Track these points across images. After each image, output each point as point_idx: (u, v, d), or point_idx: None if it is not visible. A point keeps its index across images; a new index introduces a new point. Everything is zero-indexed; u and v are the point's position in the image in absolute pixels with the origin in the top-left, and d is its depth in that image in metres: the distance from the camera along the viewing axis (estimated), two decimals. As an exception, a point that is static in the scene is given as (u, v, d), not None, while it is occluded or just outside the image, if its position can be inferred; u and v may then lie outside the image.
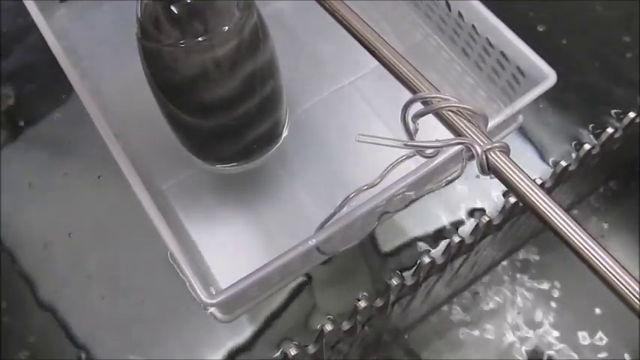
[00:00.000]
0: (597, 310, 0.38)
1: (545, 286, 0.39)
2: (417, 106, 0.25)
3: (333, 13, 0.29)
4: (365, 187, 0.31)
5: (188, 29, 0.30)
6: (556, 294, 0.38)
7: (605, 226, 0.41)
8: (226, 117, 0.34)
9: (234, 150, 0.39)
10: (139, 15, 0.30)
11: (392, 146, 0.24)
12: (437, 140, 0.24)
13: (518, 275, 0.39)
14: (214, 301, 0.30)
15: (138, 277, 0.39)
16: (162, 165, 0.41)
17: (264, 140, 0.39)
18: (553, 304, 0.38)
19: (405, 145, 0.24)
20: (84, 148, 0.43)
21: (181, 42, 0.30)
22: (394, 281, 0.31)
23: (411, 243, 0.39)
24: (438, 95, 0.24)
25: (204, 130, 0.36)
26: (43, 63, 0.47)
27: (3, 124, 0.45)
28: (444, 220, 0.40)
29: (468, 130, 0.24)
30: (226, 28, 0.30)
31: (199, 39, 0.30)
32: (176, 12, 0.29)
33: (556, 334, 0.38)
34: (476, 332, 0.37)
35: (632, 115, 0.39)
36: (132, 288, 0.39)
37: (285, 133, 0.41)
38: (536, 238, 0.40)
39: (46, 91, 0.46)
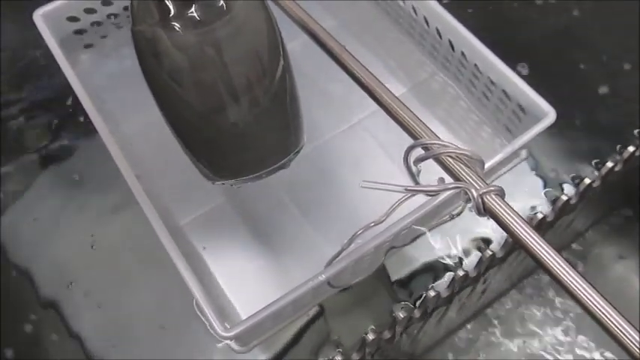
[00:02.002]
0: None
1: (556, 311, 0.40)
2: (419, 150, 0.27)
3: (337, 60, 0.31)
4: (372, 224, 0.32)
5: (181, 10, 0.28)
6: (567, 320, 0.39)
7: (607, 256, 0.42)
8: (229, 115, 0.31)
9: (241, 154, 0.34)
10: (133, 5, 0.29)
11: (394, 191, 0.25)
12: (435, 185, 0.26)
13: (527, 300, 0.40)
14: (230, 334, 0.32)
15: (155, 310, 0.41)
16: (180, 202, 0.43)
17: (277, 142, 0.35)
18: (565, 329, 0.39)
19: (406, 189, 0.26)
20: (104, 185, 0.45)
21: (174, 23, 0.28)
22: (401, 314, 0.32)
23: (418, 274, 0.40)
24: (437, 142, 0.26)
25: (207, 133, 0.32)
26: (67, 103, 0.49)
27: (27, 162, 0.47)
28: (449, 253, 0.41)
29: (465, 174, 0.25)
30: (221, 2, 0.28)
31: (190, 14, 0.28)
32: None
33: (569, 357, 0.38)
34: (487, 358, 0.38)
35: (631, 148, 0.40)
36: (148, 319, 0.41)
37: (300, 146, 0.36)
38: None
39: (72, 132, 0.48)
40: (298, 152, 0.36)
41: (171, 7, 0.28)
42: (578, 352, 0.38)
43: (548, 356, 0.38)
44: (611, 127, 0.46)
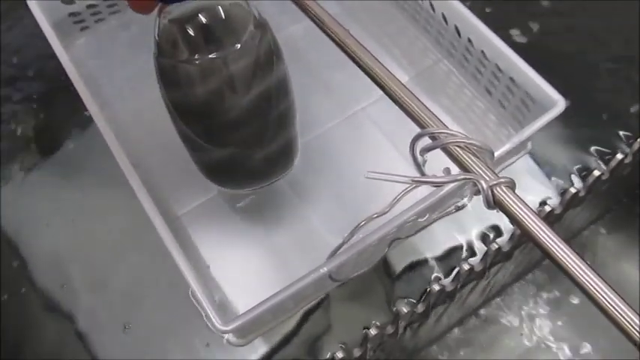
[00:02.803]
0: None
1: (558, 306, 0.39)
2: (426, 139, 0.26)
3: (341, 47, 0.30)
4: (375, 215, 0.31)
5: (203, 47, 0.31)
6: (569, 314, 0.39)
7: (614, 249, 0.41)
8: (239, 136, 0.35)
9: (248, 173, 0.39)
10: (157, 34, 0.31)
11: (400, 182, 0.24)
12: (443, 176, 0.25)
13: (530, 296, 0.39)
14: (228, 328, 0.31)
15: (153, 300, 0.40)
16: (178, 192, 0.42)
17: (277, 163, 0.40)
18: (566, 325, 0.38)
19: (413, 180, 0.24)
20: (101, 174, 0.44)
21: (196, 59, 0.31)
22: (404, 308, 0.31)
23: (422, 268, 0.40)
24: (445, 131, 0.25)
25: (218, 150, 0.37)
26: (62, 89, 0.48)
27: (21, 150, 0.46)
28: (455, 245, 0.40)
29: (474, 165, 0.24)
30: (239, 45, 0.31)
31: (213, 55, 0.30)
32: (191, 31, 0.30)
33: (568, 353, 0.38)
34: (488, 353, 0.38)
35: (642, 140, 0.39)
36: (147, 310, 0.40)
37: (297, 157, 0.42)
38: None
39: (65, 118, 0.47)
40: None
41: (195, 49, 0.31)
42: (580, 350, 0.38)
43: (548, 354, 0.38)
44: (619, 117, 0.45)
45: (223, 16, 0.31)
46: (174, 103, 0.34)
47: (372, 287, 0.39)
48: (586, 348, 0.38)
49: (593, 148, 0.44)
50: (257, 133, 0.35)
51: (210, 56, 0.31)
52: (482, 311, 0.39)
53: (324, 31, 0.30)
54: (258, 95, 0.33)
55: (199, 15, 0.30)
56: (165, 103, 0.34)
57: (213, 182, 0.41)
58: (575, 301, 0.39)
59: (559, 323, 0.38)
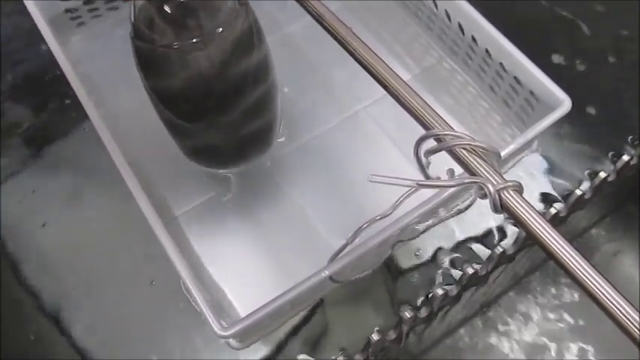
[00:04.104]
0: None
1: (558, 309, 0.38)
2: (430, 140, 0.25)
3: (343, 44, 0.29)
4: (378, 217, 0.30)
5: (181, 30, 0.30)
6: (570, 318, 0.38)
7: (616, 251, 0.40)
8: (219, 118, 0.34)
9: (229, 152, 0.39)
10: (133, 16, 0.30)
11: (405, 186, 0.24)
12: (449, 179, 0.24)
13: (531, 299, 0.39)
14: (228, 333, 0.30)
15: (149, 303, 0.39)
16: (176, 192, 0.41)
17: (259, 142, 0.40)
18: (567, 328, 0.38)
19: (418, 184, 0.24)
20: (98, 173, 0.44)
21: (175, 44, 0.29)
22: (407, 314, 0.31)
23: (425, 270, 0.39)
24: (450, 132, 0.24)
25: (198, 132, 0.36)
26: (57, 86, 0.47)
27: (17, 148, 0.45)
28: (459, 248, 0.40)
29: (481, 168, 0.23)
30: (220, 29, 0.30)
31: (193, 40, 0.29)
32: (169, 12, 0.29)
33: (571, 356, 0.37)
34: (491, 355, 0.37)
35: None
36: (143, 313, 0.39)
37: (281, 139, 0.42)
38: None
39: (61, 116, 0.46)
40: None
41: (174, 32, 0.30)
42: (582, 353, 0.37)
43: (551, 355, 0.37)
44: (624, 120, 0.45)
45: None
46: (152, 86, 0.33)
47: (375, 291, 0.38)
48: (589, 351, 0.37)
49: (598, 150, 0.43)
50: (238, 115, 0.34)
51: (190, 41, 0.29)
52: (485, 313, 0.38)
53: (326, 29, 0.29)
54: (238, 79, 0.32)
55: None
56: (144, 85, 0.33)
57: (195, 162, 0.40)
58: (577, 302, 0.39)
59: (561, 325, 0.38)
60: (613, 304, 0.20)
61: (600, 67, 0.47)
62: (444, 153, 0.24)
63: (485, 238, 0.39)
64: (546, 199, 0.41)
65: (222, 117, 0.34)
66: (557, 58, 0.47)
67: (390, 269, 0.39)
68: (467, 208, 0.37)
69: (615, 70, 0.47)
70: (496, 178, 0.23)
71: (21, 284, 0.40)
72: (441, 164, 0.25)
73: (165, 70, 0.31)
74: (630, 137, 0.42)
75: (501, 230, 0.40)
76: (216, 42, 0.30)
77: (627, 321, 0.19)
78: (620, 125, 0.44)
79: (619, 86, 0.46)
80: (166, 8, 0.29)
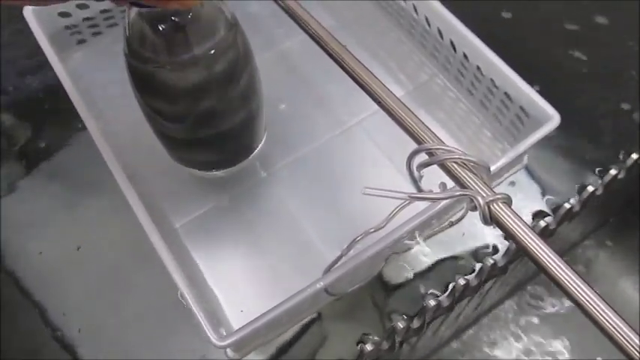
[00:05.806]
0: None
1: (551, 321, 0.39)
2: (422, 154, 0.26)
3: (338, 62, 0.30)
4: (372, 230, 0.31)
5: (174, 48, 0.30)
6: (563, 331, 0.39)
7: (610, 262, 0.41)
8: (208, 131, 0.35)
9: (213, 159, 0.41)
10: (127, 32, 0.30)
11: (398, 198, 0.24)
12: (440, 192, 0.25)
13: (523, 309, 0.39)
14: (225, 343, 0.31)
15: (148, 312, 0.40)
16: (175, 204, 0.42)
17: (245, 148, 0.41)
18: (559, 339, 0.38)
19: (410, 197, 0.25)
20: (98, 186, 0.44)
21: (167, 65, 0.30)
22: (400, 324, 0.31)
23: (418, 282, 0.39)
24: (441, 147, 0.25)
25: (187, 141, 0.37)
26: (57, 101, 0.48)
27: (16, 161, 0.46)
28: (451, 260, 0.40)
29: (471, 181, 0.24)
30: (213, 52, 0.30)
31: (185, 58, 0.30)
32: (162, 31, 0.29)
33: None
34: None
35: (635, 156, 0.39)
36: (142, 322, 0.40)
37: (261, 143, 0.43)
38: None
39: (61, 129, 0.47)
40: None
41: (166, 50, 0.30)
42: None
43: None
44: (612, 133, 0.46)
45: (196, 15, 0.30)
46: (145, 100, 0.34)
47: (368, 302, 0.39)
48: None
49: (586, 164, 0.44)
50: (226, 128, 0.36)
51: (182, 59, 0.30)
52: (477, 324, 0.39)
53: (321, 46, 0.30)
54: (229, 96, 0.34)
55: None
56: (137, 98, 0.34)
57: (183, 165, 0.41)
58: (571, 314, 0.39)
59: (555, 336, 0.38)
60: (599, 312, 0.21)
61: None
62: (436, 167, 0.25)
63: (477, 251, 0.40)
64: (536, 211, 0.42)
65: (210, 130, 0.35)
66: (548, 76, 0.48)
67: (384, 281, 0.39)
68: (459, 220, 0.38)
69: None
70: (485, 190, 0.24)
71: (20, 293, 0.40)
72: (435, 178, 0.26)
73: (157, 86, 0.32)
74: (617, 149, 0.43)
75: (493, 244, 0.41)
76: (208, 61, 0.31)
77: (619, 334, 0.20)
78: (607, 138, 0.45)
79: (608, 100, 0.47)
80: (160, 27, 0.29)
